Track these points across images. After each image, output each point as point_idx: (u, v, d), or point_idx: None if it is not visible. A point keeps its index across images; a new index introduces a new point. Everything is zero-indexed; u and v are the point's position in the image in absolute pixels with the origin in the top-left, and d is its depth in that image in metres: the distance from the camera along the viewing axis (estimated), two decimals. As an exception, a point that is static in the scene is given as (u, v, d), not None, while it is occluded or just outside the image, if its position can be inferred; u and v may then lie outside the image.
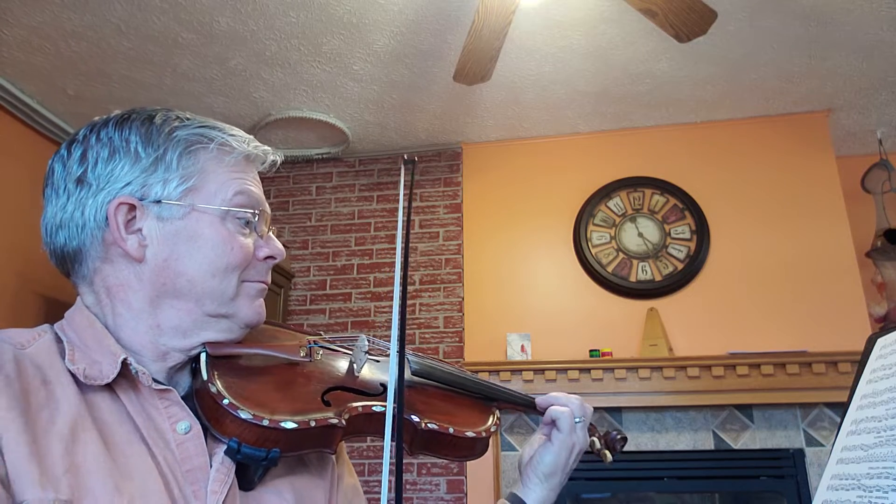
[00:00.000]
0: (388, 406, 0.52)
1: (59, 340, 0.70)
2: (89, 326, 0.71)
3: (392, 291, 3.39)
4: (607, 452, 1.01)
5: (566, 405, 0.94)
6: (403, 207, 0.65)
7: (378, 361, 0.89)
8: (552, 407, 0.94)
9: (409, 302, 3.34)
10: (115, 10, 2.43)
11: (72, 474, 0.60)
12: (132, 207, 0.72)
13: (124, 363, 0.68)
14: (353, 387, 0.81)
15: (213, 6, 2.43)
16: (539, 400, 0.98)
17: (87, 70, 2.79)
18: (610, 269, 3.18)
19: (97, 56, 2.70)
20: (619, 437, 1.02)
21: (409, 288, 3.36)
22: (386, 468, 0.52)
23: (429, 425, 0.81)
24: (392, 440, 0.55)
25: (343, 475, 0.85)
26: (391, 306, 3.38)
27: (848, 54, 2.76)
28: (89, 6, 2.41)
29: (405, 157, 0.72)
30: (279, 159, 0.83)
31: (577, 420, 0.93)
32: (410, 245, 3.43)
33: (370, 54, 2.74)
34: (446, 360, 3.19)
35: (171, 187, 0.73)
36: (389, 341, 0.91)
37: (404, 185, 0.71)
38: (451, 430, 0.83)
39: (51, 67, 2.76)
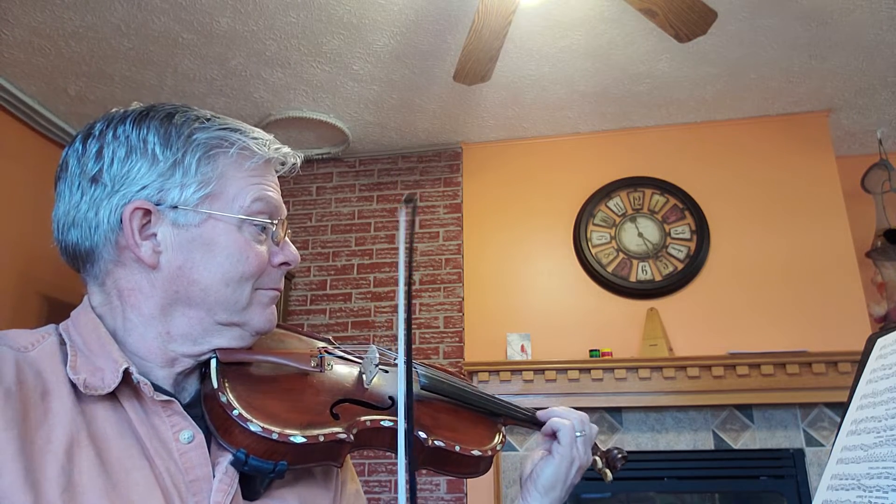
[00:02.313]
0: (400, 433, 0.52)
1: (63, 342, 0.69)
2: (94, 330, 0.70)
3: (392, 292, 3.39)
4: (608, 471, 1.00)
5: (567, 417, 0.93)
6: (405, 245, 0.64)
7: (387, 372, 0.88)
8: (553, 419, 0.93)
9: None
10: (116, 10, 2.43)
11: (68, 494, 0.59)
12: (147, 212, 0.70)
13: (126, 371, 0.66)
14: (363, 399, 0.80)
15: (213, 6, 2.43)
16: (540, 413, 0.96)
17: (87, 71, 2.79)
18: (610, 269, 3.18)
19: (98, 56, 2.70)
20: (619, 455, 1.01)
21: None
22: (402, 491, 0.51)
23: (435, 442, 0.80)
24: (406, 472, 0.55)
25: (346, 481, 0.84)
26: (391, 307, 3.39)
27: (848, 54, 2.76)
28: (90, 6, 2.41)
29: (405, 196, 0.71)
30: (299, 161, 0.81)
31: (578, 434, 0.91)
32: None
33: (370, 54, 2.74)
34: (446, 360, 3.19)
35: (188, 192, 0.71)
36: (397, 351, 0.91)
37: (406, 223, 0.69)
38: (457, 449, 0.82)
39: (51, 68, 2.76)
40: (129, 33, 2.57)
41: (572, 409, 0.95)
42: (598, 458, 0.99)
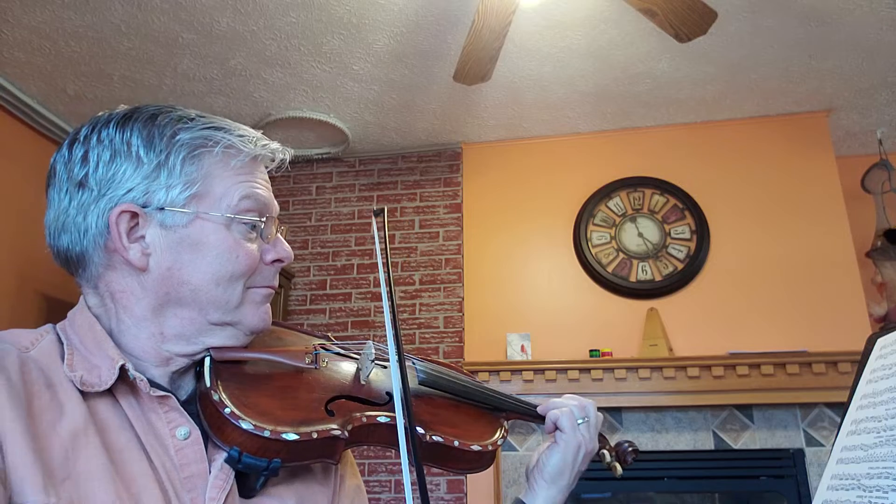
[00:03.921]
0: (400, 427, 0.52)
1: (60, 342, 0.69)
2: (90, 329, 0.71)
3: (392, 292, 3.38)
4: (618, 465, 0.98)
5: (564, 405, 0.92)
6: (382, 258, 0.66)
7: (385, 367, 0.87)
8: (551, 411, 0.93)
9: (409, 302, 3.34)
10: (116, 10, 2.43)
11: (71, 482, 0.59)
12: (134, 215, 0.70)
13: (122, 368, 0.67)
14: (359, 395, 0.79)
15: (213, 6, 2.43)
16: (540, 408, 0.95)
17: (87, 70, 2.79)
18: (610, 269, 3.18)
19: (98, 56, 2.70)
20: (630, 449, 0.99)
21: (409, 288, 3.36)
22: (408, 486, 0.51)
23: (434, 438, 0.80)
24: (411, 465, 0.55)
25: (345, 476, 0.84)
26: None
27: (848, 54, 2.76)
28: (90, 6, 2.41)
29: (374, 209, 0.73)
30: (287, 157, 0.81)
31: (579, 421, 0.91)
32: (410, 246, 3.42)
33: (370, 54, 2.74)
34: (446, 360, 3.19)
35: (174, 193, 0.71)
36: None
37: (378, 235, 0.71)
38: (456, 444, 0.82)
39: (51, 68, 2.76)
40: (129, 33, 2.57)
41: (571, 396, 0.94)
42: (606, 452, 0.98)
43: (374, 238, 0.72)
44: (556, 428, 0.91)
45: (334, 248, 3.51)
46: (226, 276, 0.72)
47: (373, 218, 0.67)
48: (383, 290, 0.62)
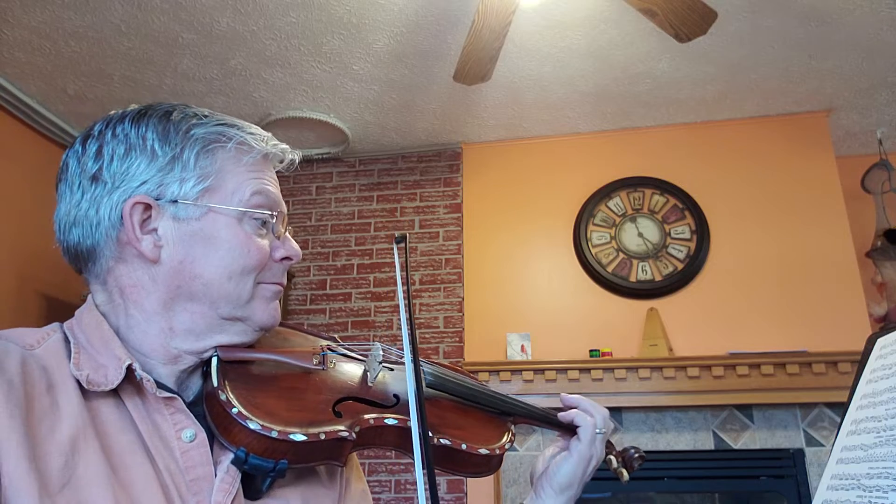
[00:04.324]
0: (415, 433, 0.52)
1: (67, 340, 0.69)
2: (97, 328, 0.70)
3: (392, 292, 3.39)
4: (624, 471, 0.98)
5: (592, 415, 0.91)
6: (403, 286, 0.67)
7: (392, 370, 0.87)
8: (576, 411, 0.91)
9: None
10: (116, 10, 2.43)
11: (70, 489, 0.59)
12: (148, 207, 0.71)
13: (129, 368, 0.67)
14: (366, 397, 0.79)
15: (213, 6, 2.43)
16: (565, 397, 0.94)
17: (87, 70, 2.79)
18: (610, 269, 3.18)
19: (98, 56, 2.70)
20: (636, 455, 0.99)
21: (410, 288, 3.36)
22: (421, 490, 0.52)
23: (441, 441, 0.80)
24: (423, 469, 0.55)
25: (351, 480, 0.83)
26: (391, 306, 3.39)
27: (848, 54, 2.76)
28: (90, 6, 2.41)
29: (396, 234, 0.74)
30: (297, 158, 0.82)
31: (598, 432, 0.91)
32: (410, 246, 3.42)
33: (370, 54, 2.74)
34: (446, 360, 3.19)
35: (187, 187, 0.72)
36: (402, 349, 0.88)
37: (399, 263, 0.73)
38: (463, 447, 0.82)
39: (51, 68, 2.76)
40: (129, 33, 2.57)
41: (597, 405, 0.93)
42: (613, 458, 0.98)
43: (395, 264, 0.75)
44: (575, 433, 0.90)
45: (334, 248, 3.51)
46: (238, 269, 0.73)
47: (394, 245, 0.68)
48: (402, 318, 0.63)
